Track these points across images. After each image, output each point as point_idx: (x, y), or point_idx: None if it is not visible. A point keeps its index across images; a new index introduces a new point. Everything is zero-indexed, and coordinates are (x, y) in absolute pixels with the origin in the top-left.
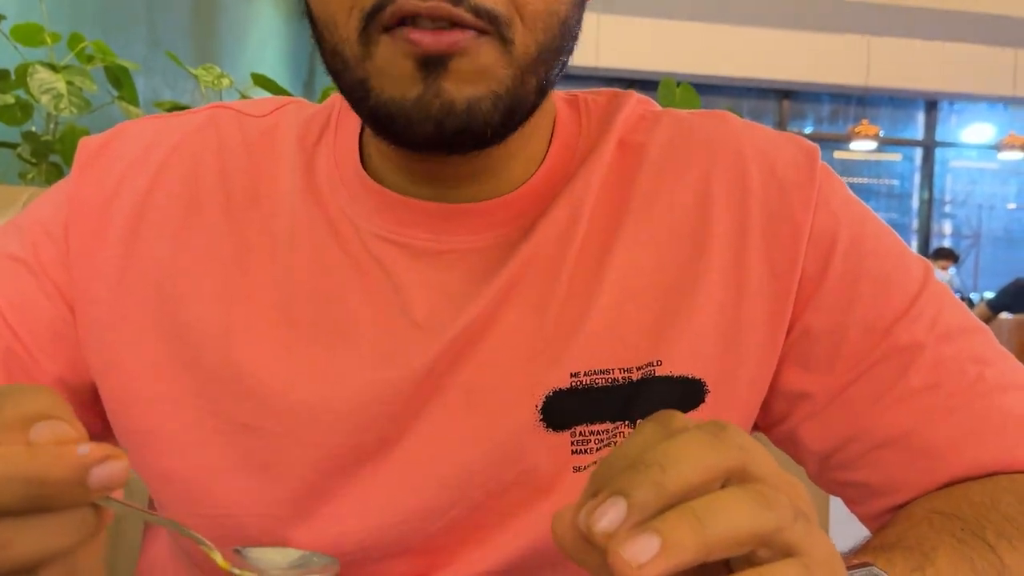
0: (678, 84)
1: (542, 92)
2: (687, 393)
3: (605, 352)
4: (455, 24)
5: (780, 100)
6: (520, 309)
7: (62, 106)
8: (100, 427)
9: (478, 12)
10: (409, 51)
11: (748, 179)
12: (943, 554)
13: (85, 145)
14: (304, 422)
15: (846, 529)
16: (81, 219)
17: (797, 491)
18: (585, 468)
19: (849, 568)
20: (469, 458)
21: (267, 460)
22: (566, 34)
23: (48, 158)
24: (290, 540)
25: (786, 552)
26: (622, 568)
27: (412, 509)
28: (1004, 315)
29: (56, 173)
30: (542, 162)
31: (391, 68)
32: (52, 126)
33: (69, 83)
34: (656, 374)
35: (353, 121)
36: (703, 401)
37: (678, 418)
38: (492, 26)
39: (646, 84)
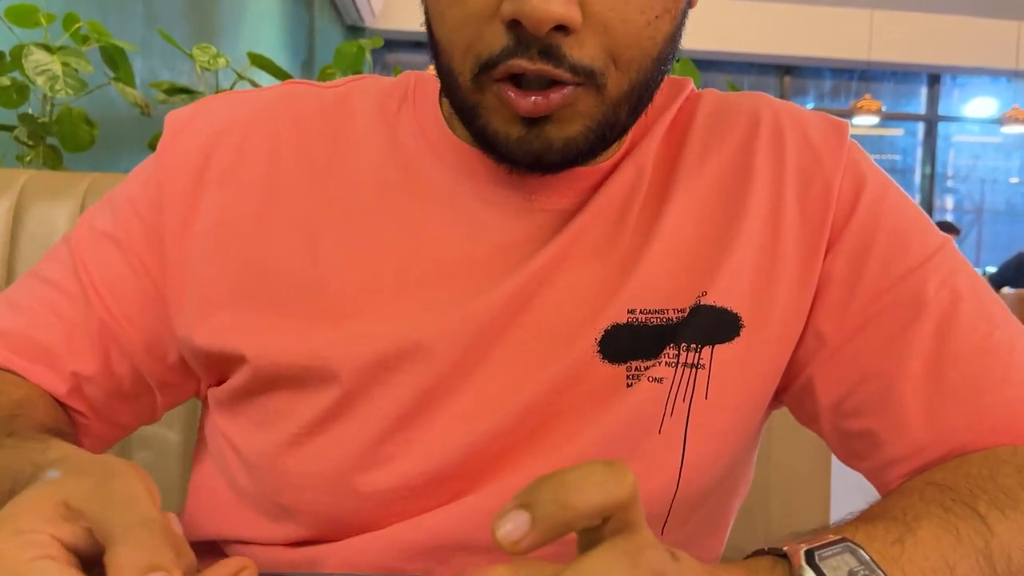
0: (677, 60)
1: (635, 114)
2: (725, 324)
3: (659, 293)
4: (555, 82)
5: (781, 76)
6: (586, 253)
7: (58, 87)
8: (177, 379)
9: (575, 70)
10: (511, 109)
11: (784, 141)
12: (926, 524)
13: (172, 119)
14: (388, 357)
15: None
16: (171, 194)
17: None
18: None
19: (827, 544)
20: (533, 387)
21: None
22: (660, 66)
23: (45, 140)
24: (365, 465)
25: None
26: None
27: (479, 435)
28: (1006, 289)
29: (54, 155)
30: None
31: (498, 112)
32: (48, 108)
33: (65, 64)
34: (702, 303)
35: (431, 96)
36: (738, 335)
37: None
38: (588, 79)
39: None
